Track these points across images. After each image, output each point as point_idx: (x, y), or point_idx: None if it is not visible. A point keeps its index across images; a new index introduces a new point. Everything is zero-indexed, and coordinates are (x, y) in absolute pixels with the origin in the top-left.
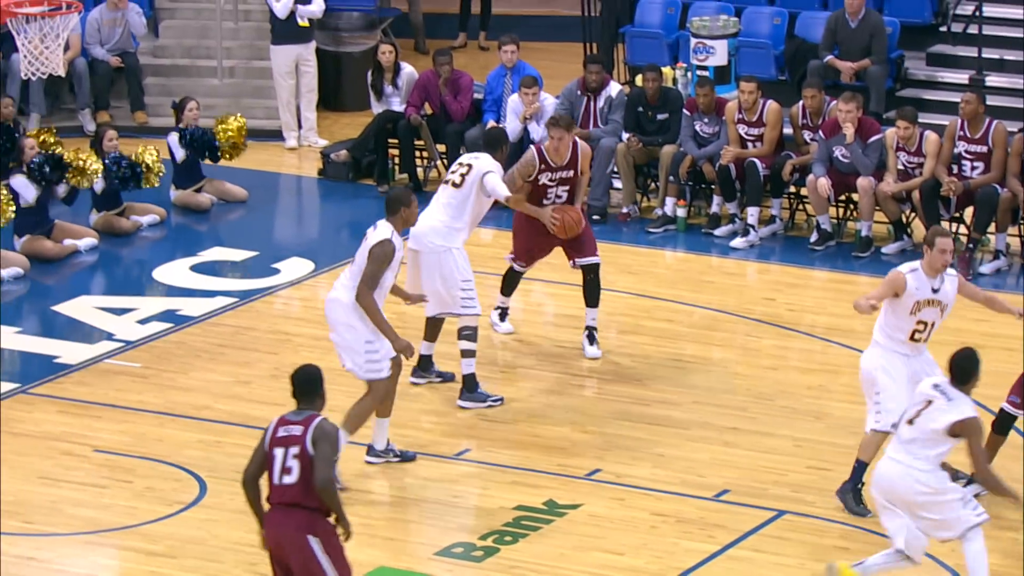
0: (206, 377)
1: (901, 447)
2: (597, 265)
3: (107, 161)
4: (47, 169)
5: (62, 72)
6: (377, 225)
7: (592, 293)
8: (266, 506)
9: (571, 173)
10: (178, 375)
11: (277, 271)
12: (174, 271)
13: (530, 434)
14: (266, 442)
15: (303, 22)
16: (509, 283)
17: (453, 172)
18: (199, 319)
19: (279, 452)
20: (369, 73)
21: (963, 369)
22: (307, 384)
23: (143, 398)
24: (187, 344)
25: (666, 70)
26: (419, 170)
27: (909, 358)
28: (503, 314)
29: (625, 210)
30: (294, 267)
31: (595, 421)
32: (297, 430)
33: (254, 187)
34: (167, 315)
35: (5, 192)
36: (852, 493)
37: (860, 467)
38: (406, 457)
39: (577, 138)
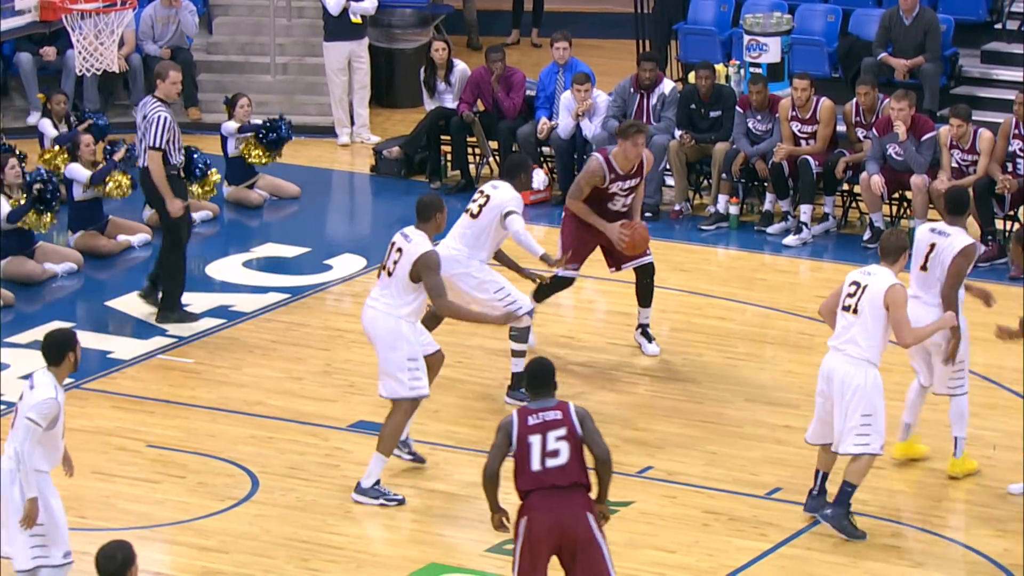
0: (258, 373)
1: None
2: (651, 265)
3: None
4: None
5: (116, 68)
6: (409, 235)
7: (646, 294)
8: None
9: (638, 180)
10: (231, 371)
11: (329, 267)
12: (227, 267)
13: None
14: (514, 434)
15: (356, 19)
16: (544, 290)
17: (473, 201)
18: (251, 315)
19: (536, 439)
20: (422, 70)
21: (958, 201)
22: (544, 375)
23: (196, 394)
24: (239, 340)
25: (719, 67)
26: (471, 167)
27: None
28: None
29: (677, 207)
30: (346, 263)
31: (646, 418)
32: (554, 414)
33: (306, 183)
34: (220, 311)
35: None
36: (848, 518)
37: (851, 491)
38: (418, 458)
39: None
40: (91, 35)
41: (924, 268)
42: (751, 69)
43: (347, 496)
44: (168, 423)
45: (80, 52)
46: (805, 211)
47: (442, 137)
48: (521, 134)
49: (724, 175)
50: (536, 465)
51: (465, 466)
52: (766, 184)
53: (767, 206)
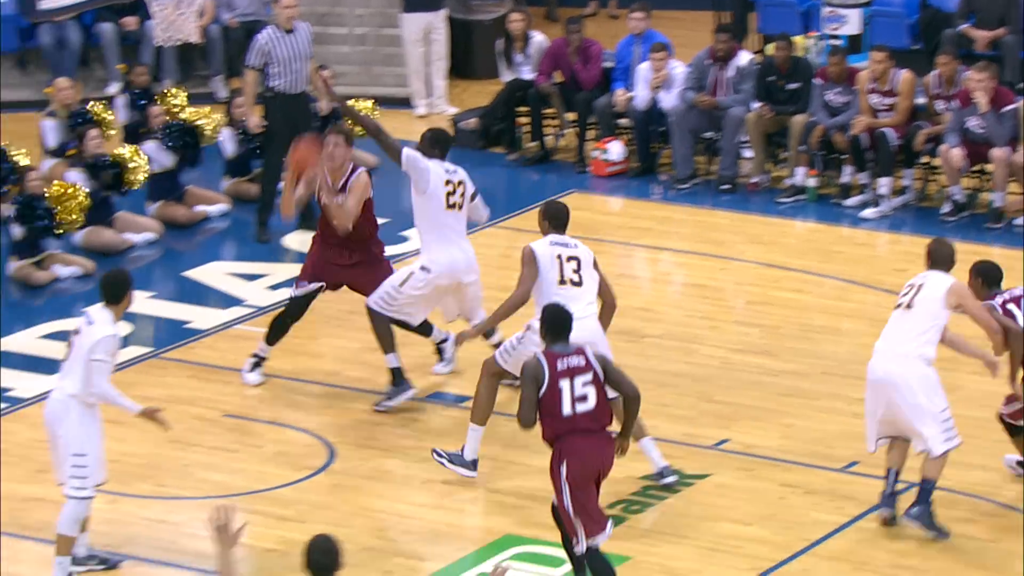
0: (335, 343)
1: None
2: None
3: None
4: (175, 135)
5: (196, 39)
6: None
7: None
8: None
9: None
10: (308, 341)
11: (406, 239)
12: (305, 237)
13: (657, 403)
14: (545, 378)
15: None
16: (277, 329)
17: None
18: None
19: (566, 384)
20: (499, 41)
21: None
22: (566, 320)
23: (273, 364)
24: (317, 310)
25: (798, 39)
26: (549, 138)
27: None
28: (257, 363)
29: (755, 179)
30: None
31: (723, 391)
32: (578, 360)
33: (384, 155)
34: None
35: (138, 154)
36: (931, 515)
37: (931, 487)
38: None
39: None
40: (171, 6)
41: None
42: (830, 41)
43: (424, 466)
44: (245, 393)
45: (159, 23)
46: (884, 184)
47: (519, 109)
48: (598, 106)
49: (802, 147)
50: (569, 409)
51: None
52: (844, 156)
53: (845, 178)
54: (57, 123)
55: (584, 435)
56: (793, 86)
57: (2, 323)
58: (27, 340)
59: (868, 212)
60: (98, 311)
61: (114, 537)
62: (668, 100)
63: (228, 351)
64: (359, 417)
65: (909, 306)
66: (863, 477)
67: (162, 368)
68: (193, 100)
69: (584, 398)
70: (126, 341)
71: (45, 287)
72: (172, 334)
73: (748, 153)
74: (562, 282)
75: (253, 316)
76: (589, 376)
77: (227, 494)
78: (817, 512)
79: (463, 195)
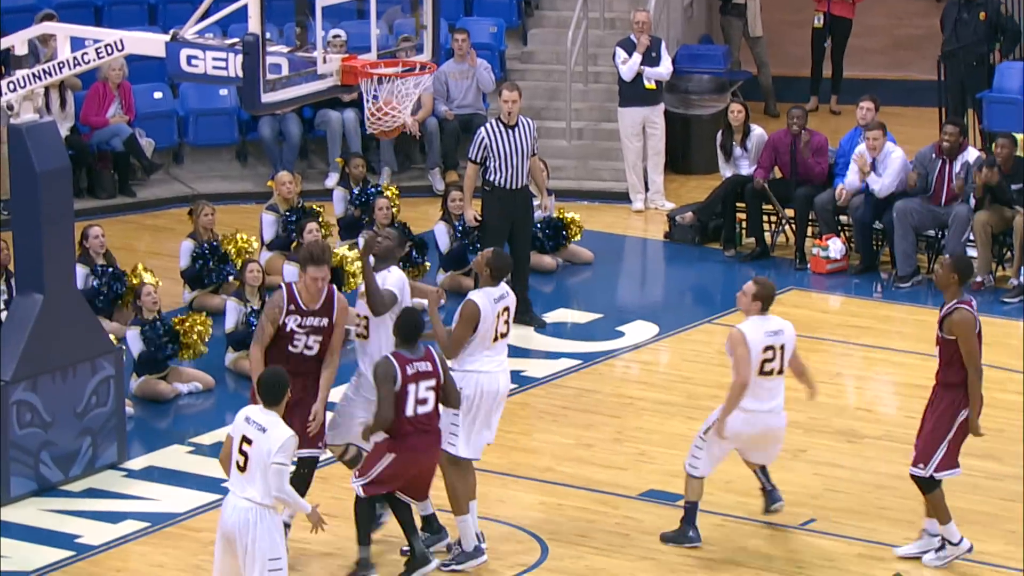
0: (549, 439)
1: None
2: (315, 459)
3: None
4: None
5: (411, 132)
6: None
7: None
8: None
9: (324, 322)
10: (521, 436)
11: (621, 334)
12: (519, 332)
13: (876, 506)
14: (397, 381)
15: (649, 84)
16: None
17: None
18: (542, 380)
19: (412, 387)
20: (719, 133)
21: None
22: (419, 326)
23: (486, 459)
24: (530, 406)
25: (1021, 137)
26: (767, 234)
27: None
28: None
29: (980, 279)
30: (638, 330)
31: (946, 495)
32: (426, 366)
33: (600, 249)
34: (512, 376)
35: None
36: None
37: None
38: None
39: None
40: (389, 99)
41: None
42: None
43: (639, 564)
44: None
45: (371, 116)
46: None
47: (737, 204)
48: (818, 202)
49: None
50: (411, 411)
51: (755, 538)
52: None
53: None
54: (275, 217)
55: (419, 435)
56: (1017, 186)
57: (222, 413)
58: None
59: None
60: (263, 415)
61: None
62: (879, 183)
63: None
64: (572, 514)
65: None
66: None
67: None
68: (410, 193)
69: (425, 401)
70: None
71: None
72: None
73: (973, 252)
74: (496, 339)
75: None
76: (433, 382)
77: None
78: None
79: None
